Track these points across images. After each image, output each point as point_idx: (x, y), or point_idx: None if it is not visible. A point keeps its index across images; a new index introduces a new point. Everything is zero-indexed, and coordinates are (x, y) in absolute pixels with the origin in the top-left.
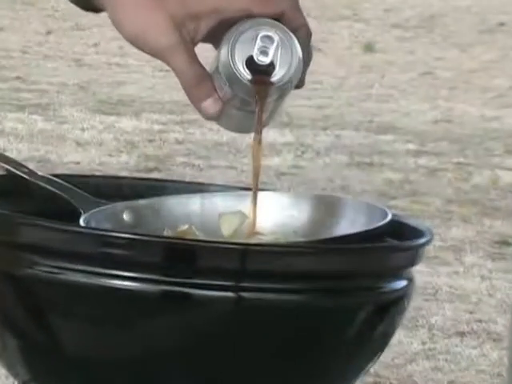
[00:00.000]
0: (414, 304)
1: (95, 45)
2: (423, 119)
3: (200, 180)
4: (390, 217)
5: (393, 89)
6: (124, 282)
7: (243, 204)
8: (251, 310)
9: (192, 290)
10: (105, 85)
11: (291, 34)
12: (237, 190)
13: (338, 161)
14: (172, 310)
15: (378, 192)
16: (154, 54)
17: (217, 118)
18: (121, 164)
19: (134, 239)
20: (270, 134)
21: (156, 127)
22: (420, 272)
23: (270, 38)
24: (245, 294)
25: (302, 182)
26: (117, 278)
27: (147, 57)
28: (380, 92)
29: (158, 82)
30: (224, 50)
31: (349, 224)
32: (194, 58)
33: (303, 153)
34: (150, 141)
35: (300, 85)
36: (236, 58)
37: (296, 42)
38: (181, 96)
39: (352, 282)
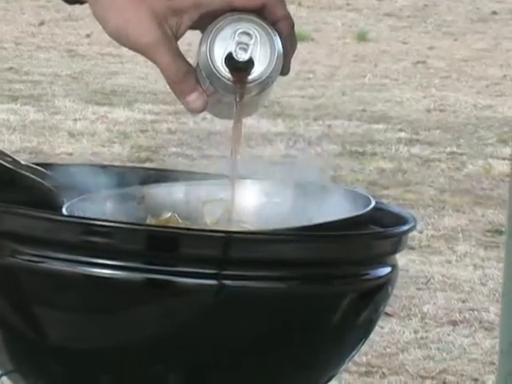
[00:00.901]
0: (407, 293)
1: (88, 35)
2: (416, 108)
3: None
4: (373, 204)
5: (386, 78)
6: (107, 270)
7: (227, 192)
8: (234, 297)
9: (175, 277)
10: (98, 75)
11: (271, 29)
12: (221, 178)
13: (330, 150)
14: (155, 298)
15: (370, 181)
16: (137, 49)
17: (202, 110)
18: (113, 155)
19: (116, 227)
20: (262, 124)
21: (149, 117)
22: (412, 261)
23: (248, 34)
24: (228, 282)
25: (294, 172)
26: (99, 266)
27: None
28: (373, 81)
29: (150, 71)
30: (203, 48)
31: (332, 211)
32: (177, 53)
33: (295, 143)
34: (143, 131)
35: (285, 72)
36: (215, 56)
37: (276, 36)
38: None
39: (336, 269)
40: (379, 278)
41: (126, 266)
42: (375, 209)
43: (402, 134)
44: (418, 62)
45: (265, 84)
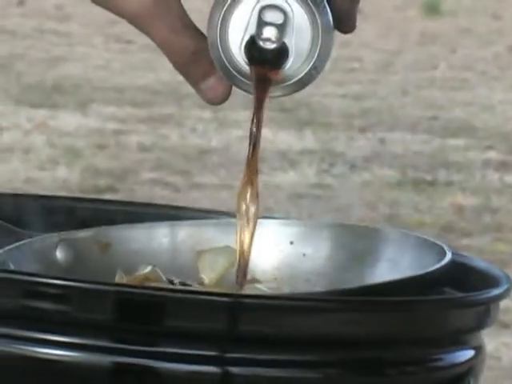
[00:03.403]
0: None
1: (21, 3)
2: None
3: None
4: (448, 257)
5: (468, 70)
6: (58, 350)
7: (233, 236)
8: None
9: (157, 362)
10: (35, 62)
11: None
12: (225, 215)
13: (384, 177)
14: None
15: (443, 225)
16: (129, 21)
17: (224, 100)
18: (57, 181)
19: (71, 287)
20: (281, 137)
21: (110, 126)
22: (506, 345)
23: (277, 8)
24: (235, 369)
25: (329, 209)
26: (48, 344)
27: (98, 22)
28: (448, 75)
29: (114, 58)
30: (212, 27)
31: (388, 267)
32: (180, 24)
33: (331, 165)
34: (102, 147)
35: (346, 30)
36: (229, 41)
37: (324, 5)
38: (149, 79)
39: (392, 351)
40: (456, 365)
41: (86, 344)
42: (452, 264)
43: (493, 154)
44: None
45: (304, 82)
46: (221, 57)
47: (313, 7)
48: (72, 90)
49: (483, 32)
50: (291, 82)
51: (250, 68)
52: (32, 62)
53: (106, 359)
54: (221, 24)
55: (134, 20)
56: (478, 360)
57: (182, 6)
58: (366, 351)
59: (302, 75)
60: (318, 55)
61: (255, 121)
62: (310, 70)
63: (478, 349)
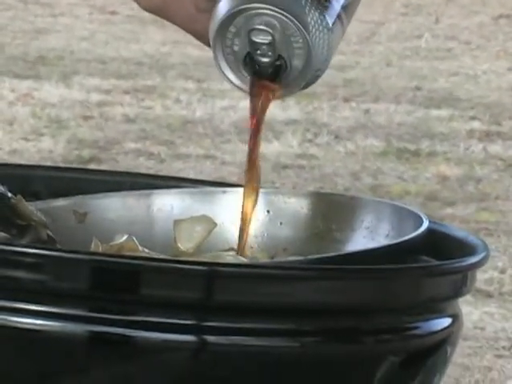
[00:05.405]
0: (481, 362)
1: None
2: (497, 85)
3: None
4: (425, 225)
5: (452, 40)
6: (34, 319)
7: (210, 205)
8: (221, 359)
9: (134, 331)
10: (18, 34)
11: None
12: (202, 185)
13: (368, 148)
14: (105, 360)
15: (427, 194)
16: (182, 28)
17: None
18: (42, 152)
19: (47, 256)
20: None
21: (95, 97)
22: (490, 315)
23: (266, 32)
24: (211, 338)
25: (313, 179)
26: (23, 313)
27: None
28: (432, 45)
29: (98, 29)
30: (212, 42)
31: (365, 235)
32: (195, 8)
33: (315, 136)
34: (86, 118)
35: None
36: (226, 63)
37: (321, 13)
38: (133, 50)
39: (369, 320)
40: (433, 333)
41: (62, 313)
42: (429, 233)
43: (476, 125)
44: (501, 17)
45: (309, 83)
46: (222, 74)
47: (302, 25)
48: (56, 62)
49: (467, 2)
50: (294, 89)
51: (254, 80)
52: (15, 33)
53: (82, 328)
54: (215, 46)
55: (154, 13)
56: (454, 328)
57: None
58: (342, 319)
59: (306, 80)
60: (316, 59)
61: (256, 124)
62: (314, 73)
63: (455, 317)
